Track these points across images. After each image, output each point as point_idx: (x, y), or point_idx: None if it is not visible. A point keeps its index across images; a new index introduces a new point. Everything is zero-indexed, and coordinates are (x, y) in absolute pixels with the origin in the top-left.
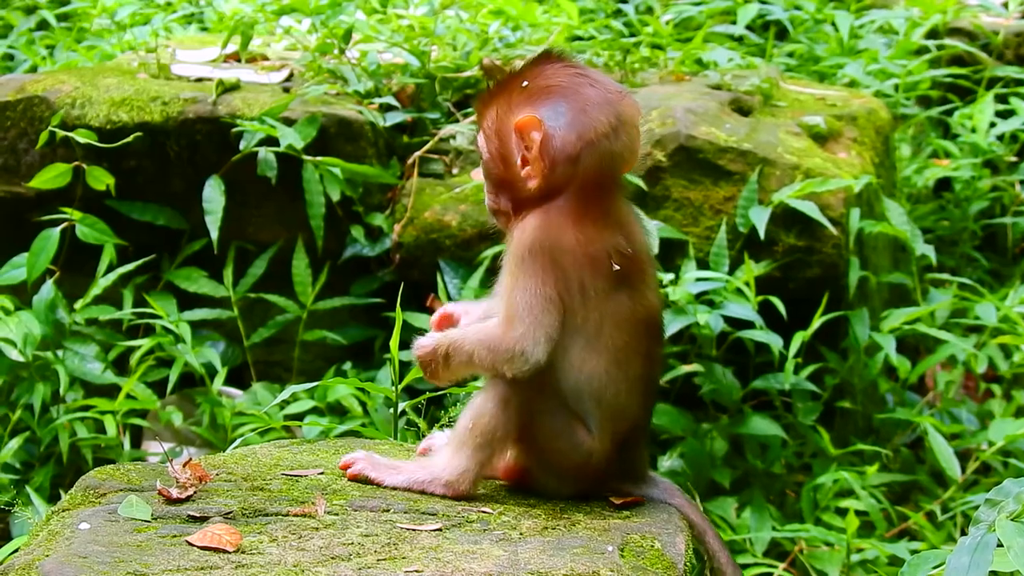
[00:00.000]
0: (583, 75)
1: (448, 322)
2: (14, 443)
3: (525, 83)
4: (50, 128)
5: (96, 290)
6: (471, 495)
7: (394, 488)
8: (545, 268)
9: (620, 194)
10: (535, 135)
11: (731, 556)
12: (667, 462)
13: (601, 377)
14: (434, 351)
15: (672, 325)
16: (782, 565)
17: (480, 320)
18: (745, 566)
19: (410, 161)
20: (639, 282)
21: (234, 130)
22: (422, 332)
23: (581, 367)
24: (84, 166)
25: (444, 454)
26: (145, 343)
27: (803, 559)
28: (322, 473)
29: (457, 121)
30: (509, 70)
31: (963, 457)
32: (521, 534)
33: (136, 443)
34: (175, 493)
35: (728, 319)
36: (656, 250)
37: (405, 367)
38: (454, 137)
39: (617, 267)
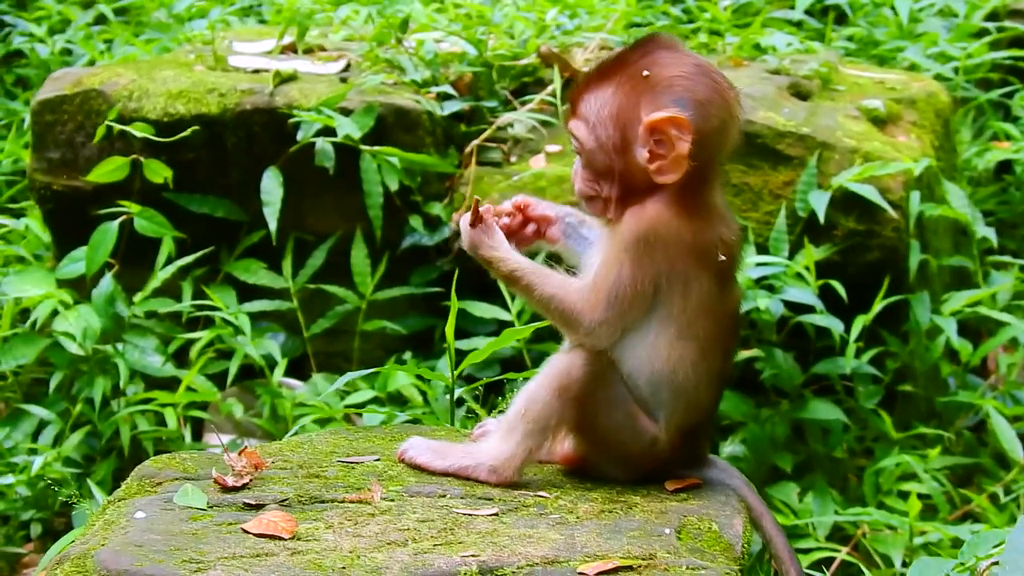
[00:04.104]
0: (700, 66)
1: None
2: (75, 437)
3: (646, 73)
4: (107, 122)
5: (155, 283)
6: (515, 483)
7: (443, 474)
8: (650, 258)
9: (719, 183)
10: (676, 133)
11: (787, 541)
12: (728, 447)
13: (686, 368)
14: (502, 262)
15: None
16: (845, 549)
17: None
18: (808, 550)
19: (468, 150)
20: (730, 275)
21: (291, 121)
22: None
23: (668, 356)
24: (141, 159)
25: (492, 440)
26: (205, 335)
27: (866, 543)
28: (378, 459)
29: (515, 109)
30: (604, 56)
31: None
32: (578, 518)
33: (197, 436)
34: (231, 481)
35: (788, 304)
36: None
37: (462, 355)
38: (512, 125)
39: (723, 258)
